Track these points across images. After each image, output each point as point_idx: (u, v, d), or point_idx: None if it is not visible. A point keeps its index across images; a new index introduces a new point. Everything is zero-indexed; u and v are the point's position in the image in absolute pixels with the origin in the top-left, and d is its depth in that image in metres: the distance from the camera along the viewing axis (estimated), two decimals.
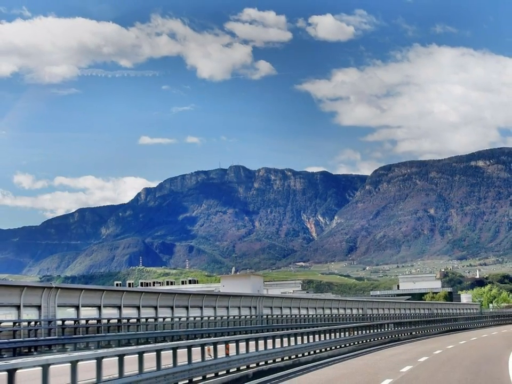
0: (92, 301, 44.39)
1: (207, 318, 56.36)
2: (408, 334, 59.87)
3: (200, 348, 22.35)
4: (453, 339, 55.23)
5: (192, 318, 54.17)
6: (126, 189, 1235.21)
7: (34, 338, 34.78)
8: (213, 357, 22.97)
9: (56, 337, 36.17)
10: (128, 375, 17.15)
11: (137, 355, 17.91)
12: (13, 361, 13.14)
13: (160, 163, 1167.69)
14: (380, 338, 49.80)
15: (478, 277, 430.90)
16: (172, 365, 19.95)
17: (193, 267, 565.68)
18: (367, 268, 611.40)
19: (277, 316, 70.00)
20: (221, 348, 23.96)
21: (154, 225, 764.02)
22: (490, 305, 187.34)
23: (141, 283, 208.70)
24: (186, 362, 20.85)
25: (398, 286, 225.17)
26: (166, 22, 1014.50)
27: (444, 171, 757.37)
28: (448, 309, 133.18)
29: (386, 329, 54.61)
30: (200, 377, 21.50)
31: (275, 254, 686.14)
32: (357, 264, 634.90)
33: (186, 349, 21.20)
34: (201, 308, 58.54)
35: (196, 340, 23.72)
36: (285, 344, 31.34)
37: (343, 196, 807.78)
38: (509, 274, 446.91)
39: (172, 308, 54.06)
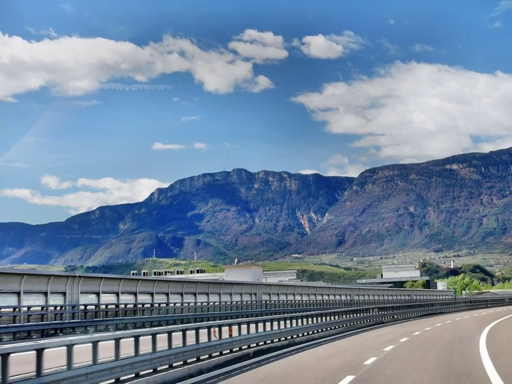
0: (111, 288, 44.40)
1: (212, 303, 56.27)
2: (391, 317, 59.71)
3: (206, 329, 22.35)
4: (430, 322, 55.08)
5: (199, 303, 54.09)
6: (141, 189, 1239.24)
7: (60, 321, 34.78)
8: (218, 338, 22.97)
9: (79, 320, 36.15)
10: (143, 353, 17.15)
11: (151, 336, 17.93)
12: (41, 341, 13.15)
13: (171, 166, 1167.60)
14: (365, 321, 49.56)
15: (452, 267, 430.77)
16: (181, 345, 19.99)
17: (200, 258, 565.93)
18: (354, 259, 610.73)
19: (275, 302, 69.89)
20: (225, 329, 23.97)
21: (166, 221, 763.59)
22: (463, 292, 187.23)
23: (154, 272, 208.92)
24: (195, 342, 20.87)
25: (382, 275, 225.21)
26: (176, 42, 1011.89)
27: (422, 173, 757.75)
28: (426, 295, 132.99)
29: (371, 313, 54.37)
30: (207, 356, 21.49)
31: (273, 247, 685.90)
32: (345, 256, 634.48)
33: (194, 331, 21.18)
34: (207, 294, 58.46)
35: (203, 323, 23.62)
36: (282, 326, 31.23)
37: (333, 195, 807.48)
38: (480, 265, 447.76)
39: (181, 294, 53.99)
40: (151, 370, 17.37)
